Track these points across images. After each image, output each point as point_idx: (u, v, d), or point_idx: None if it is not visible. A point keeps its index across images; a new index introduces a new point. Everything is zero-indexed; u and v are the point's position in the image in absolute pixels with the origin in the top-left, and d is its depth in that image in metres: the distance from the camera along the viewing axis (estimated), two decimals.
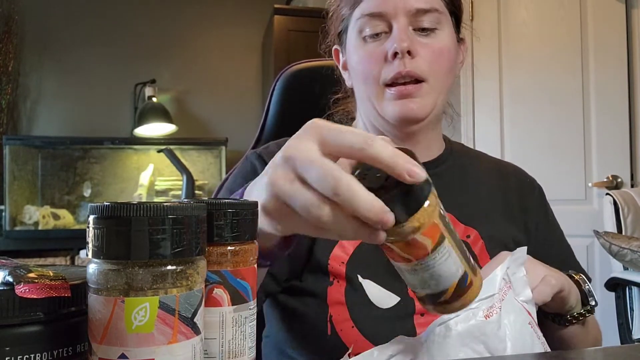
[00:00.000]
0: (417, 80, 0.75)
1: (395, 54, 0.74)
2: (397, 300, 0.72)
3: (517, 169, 0.92)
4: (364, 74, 0.78)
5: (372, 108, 0.79)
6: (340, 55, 0.87)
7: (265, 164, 0.79)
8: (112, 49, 3.11)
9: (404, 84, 0.75)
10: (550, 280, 0.64)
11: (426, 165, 0.85)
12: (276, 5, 2.83)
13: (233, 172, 1.06)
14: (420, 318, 0.72)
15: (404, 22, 0.75)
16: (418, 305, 0.72)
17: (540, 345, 0.61)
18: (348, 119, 0.92)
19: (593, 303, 0.70)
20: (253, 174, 0.79)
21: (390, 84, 0.75)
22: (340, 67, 0.88)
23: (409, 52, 0.74)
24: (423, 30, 0.76)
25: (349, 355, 0.61)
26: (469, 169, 0.87)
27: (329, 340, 0.71)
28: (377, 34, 0.77)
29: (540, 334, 0.62)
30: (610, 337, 1.86)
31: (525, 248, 0.63)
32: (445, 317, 0.58)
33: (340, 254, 0.74)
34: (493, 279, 0.60)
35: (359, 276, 0.73)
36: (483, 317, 0.57)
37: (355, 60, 0.79)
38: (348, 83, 0.86)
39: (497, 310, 0.58)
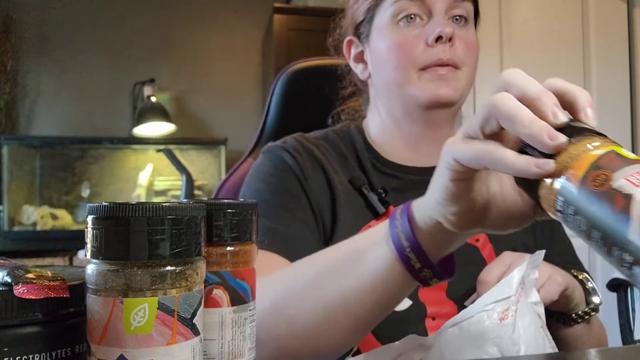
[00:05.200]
0: (453, 68, 0.76)
1: (437, 39, 0.74)
2: (409, 304, 0.72)
3: None
4: (397, 57, 0.77)
5: (399, 95, 0.78)
6: (354, 47, 0.86)
7: (292, 156, 0.78)
8: (111, 48, 3.10)
9: (441, 67, 0.76)
10: (557, 278, 0.65)
11: None
12: (276, 4, 2.82)
13: (233, 170, 1.05)
14: (431, 322, 0.72)
15: (442, 9, 0.76)
16: (430, 308, 0.72)
17: (550, 348, 0.61)
18: (356, 117, 0.92)
19: (597, 301, 0.70)
20: (283, 163, 0.79)
21: (424, 68, 0.76)
22: (351, 60, 0.87)
23: (449, 39, 0.75)
24: (457, 18, 0.77)
25: (352, 355, 0.61)
26: None
27: None
28: (412, 18, 0.77)
29: (550, 337, 0.61)
30: (612, 338, 1.86)
31: (543, 252, 0.63)
32: (458, 318, 0.58)
33: None
34: (510, 281, 0.59)
35: None
36: (498, 319, 0.57)
37: (387, 45, 0.78)
38: (362, 75, 0.85)
39: (513, 312, 0.57)
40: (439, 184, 0.45)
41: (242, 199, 0.76)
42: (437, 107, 0.77)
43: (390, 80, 0.79)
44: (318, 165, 0.79)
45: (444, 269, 0.49)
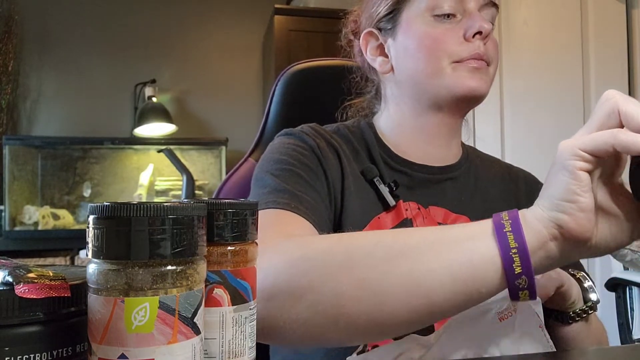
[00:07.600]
0: (485, 64, 0.79)
1: (476, 34, 0.76)
2: None
3: (527, 175, 0.93)
4: (430, 49, 0.78)
5: (427, 86, 0.79)
6: (372, 40, 0.86)
7: (311, 137, 0.78)
8: (112, 49, 3.11)
9: (475, 60, 0.77)
10: (551, 274, 0.65)
11: (449, 169, 0.85)
12: (277, 5, 2.83)
13: (234, 170, 1.05)
14: None
15: (476, 7, 0.78)
16: None
17: (549, 348, 0.61)
18: (363, 114, 0.92)
19: (595, 299, 0.70)
20: (303, 142, 0.78)
21: (458, 61, 0.77)
22: (368, 53, 0.86)
23: (485, 36, 0.77)
24: None
25: (358, 354, 0.61)
26: (482, 173, 0.88)
27: None
28: (448, 16, 0.78)
29: (548, 337, 0.62)
30: (611, 338, 1.86)
31: None
32: (459, 317, 0.58)
33: None
34: None
35: None
36: (497, 319, 0.57)
37: (419, 37, 0.79)
38: (382, 68, 0.85)
39: (512, 312, 0.58)
40: (559, 181, 0.46)
41: (257, 172, 0.76)
42: (469, 100, 0.78)
43: (418, 72, 0.79)
44: (334, 150, 0.80)
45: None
